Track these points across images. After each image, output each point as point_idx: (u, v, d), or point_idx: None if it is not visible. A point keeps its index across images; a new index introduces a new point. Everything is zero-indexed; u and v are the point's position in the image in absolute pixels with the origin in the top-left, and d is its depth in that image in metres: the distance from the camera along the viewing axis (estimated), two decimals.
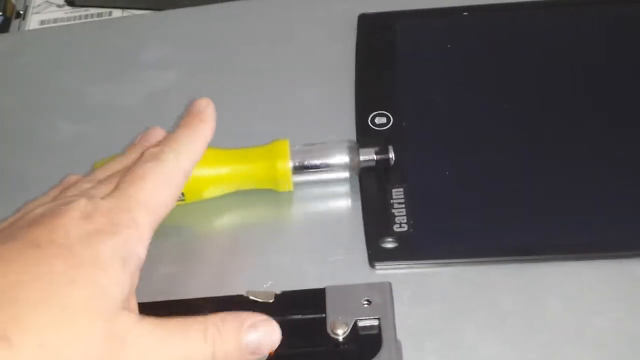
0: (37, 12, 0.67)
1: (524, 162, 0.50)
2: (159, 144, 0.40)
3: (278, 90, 0.56)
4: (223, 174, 0.48)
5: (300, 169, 0.48)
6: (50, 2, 0.68)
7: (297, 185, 0.49)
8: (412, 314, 0.43)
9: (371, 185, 0.49)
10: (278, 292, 0.41)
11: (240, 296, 0.41)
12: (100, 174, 0.41)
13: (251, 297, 0.41)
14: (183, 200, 0.48)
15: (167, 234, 0.48)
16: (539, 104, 0.53)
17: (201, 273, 0.46)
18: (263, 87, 0.57)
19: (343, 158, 0.48)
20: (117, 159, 0.43)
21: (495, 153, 0.51)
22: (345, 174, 0.49)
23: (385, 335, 0.39)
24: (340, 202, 0.49)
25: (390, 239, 0.46)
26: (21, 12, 0.68)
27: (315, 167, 0.49)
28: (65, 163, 0.52)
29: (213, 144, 0.48)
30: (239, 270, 0.46)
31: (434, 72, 0.56)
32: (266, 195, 0.49)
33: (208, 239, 0.49)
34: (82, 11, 0.67)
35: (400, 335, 0.40)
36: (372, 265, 0.46)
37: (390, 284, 0.41)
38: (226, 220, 0.49)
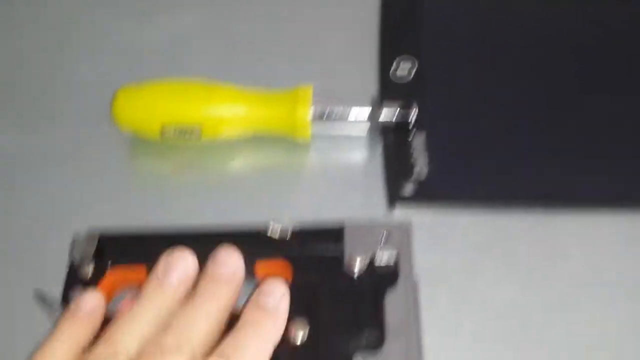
0: None
1: (548, 110, 0.49)
2: (221, 353, 0.34)
3: (302, 34, 0.55)
4: (241, 115, 0.47)
5: (319, 119, 0.48)
6: None
7: (314, 135, 0.48)
8: (429, 258, 0.43)
9: (392, 131, 0.49)
10: (296, 227, 0.41)
11: (258, 232, 0.41)
12: None
13: (269, 230, 0.41)
14: (201, 137, 0.48)
15: (187, 171, 0.48)
16: (568, 52, 0.52)
17: (217, 210, 0.46)
18: (288, 29, 0.56)
19: (364, 113, 0.48)
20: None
21: (520, 99, 0.50)
22: (365, 129, 0.49)
23: (403, 272, 0.39)
24: (358, 152, 0.49)
25: (410, 183, 0.46)
26: None
27: (336, 119, 0.48)
28: (88, 100, 0.52)
29: (236, 83, 0.48)
30: (254, 209, 0.46)
31: (461, 18, 0.55)
32: (283, 142, 0.49)
33: (224, 179, 0.48)
34: None
35: (417, 277, 0.40)
36: (391, 208, 0.45)
37: (410, 223, 0.41)
38: (242, 163, 0.49)
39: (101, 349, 0.35)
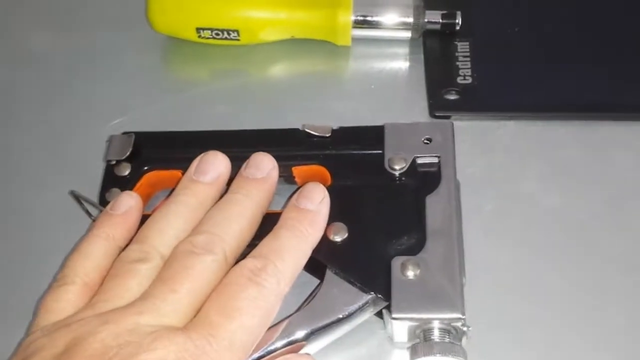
0: None
1: (596, 17, 0.48)
2: (259, 254, 0.33)
3: None
4: (282, 18, 0.46)
5: (361, 23, 0.46)
6: None
7: (355, 41, 0.47)
8: (472, 163, 0.42)
9: (435, 38, 0.47)
10: (335, 127, 0.40)
11: (297, 130, 0.40)
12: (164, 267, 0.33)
13: (307, 130, 0.40)
14: (238, 40, 0.47)
15: (224, 75, 0.48)
16: None
17: (257, 112, 0.45)
18: None
19: (407, 18, 0.46)
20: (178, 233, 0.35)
21: (568, 6, 0.48)
22: (407, 35, 0.47)
23: (445, 173, 0.37)
24: (400, 59, 0.48)
25: (453, 90, 0.45)
26: None
27: (377, 24, 0.47)
28: (123, 1, 0.51)
29: None
30: (294, 115, 0.45)
31: None
32: (323, 46, 0.48)
33: (264, 82, 0.48)
34: None
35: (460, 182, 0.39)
36: (432, 115, 0.44)
37: (452, 123, 0.39)
38: (283, 67, 0.48)
39: (134, 247, 0.34)
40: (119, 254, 0.35)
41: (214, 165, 0.37)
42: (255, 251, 0.34)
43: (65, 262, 0.35)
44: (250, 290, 0.32)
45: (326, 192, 0.36)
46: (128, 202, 0.37)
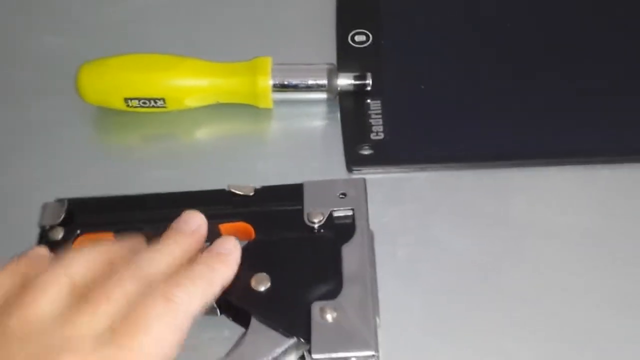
0: None
1: (495, 73, 0.52)
2: (172, 279, 0.36)
3: (261, 8, 0.57)
4: (205, 86, 0.49)
5: (280, 87, 0.50)
6: None
7: (276, 103, 0.50)
8: (386, 213, 0.45)
9: (349, 98, 0.51)
10: (258, 186, 0.43)
11: (222, 190, 0.43)
12: (86, 285, 0.35)
13: (232, 190, 0.42)
14: (165, 107, 0.49)
15: (153, 141, 0.50)
16: (514, 18, 0.56)
17: (184, 178, 0.48)
18: (247, 4, 0.58)
19: (322, 80, 0.50)
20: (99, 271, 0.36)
21: (468, 65, 0.53)
22: (323, 96, 0.51)
23: (359, 224, 0.41)
24: (319, 118, 0.51)
25: (367, 146, 0.48)
26: None
27: (295, 87, 0.50)
28: (52, 72, 0.54)
29: (197, 56, 0.50)
30: (220, 176, 0.47)
31: None
32: (247, 109, 0.51)
33: (192, 145, 0.50)
34: None
35: (374, 231, 0.42)
36: (349, 170, 0.48)
37: (364, 179, 0.43)
38: (209, 130, 0.51)
39: (48, 272, 0.35)
40: None
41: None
42: (172, 279, 0.36)
43: None
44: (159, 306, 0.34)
45: (238, 243, 0.39)
46: (37, 250, 0.39)
